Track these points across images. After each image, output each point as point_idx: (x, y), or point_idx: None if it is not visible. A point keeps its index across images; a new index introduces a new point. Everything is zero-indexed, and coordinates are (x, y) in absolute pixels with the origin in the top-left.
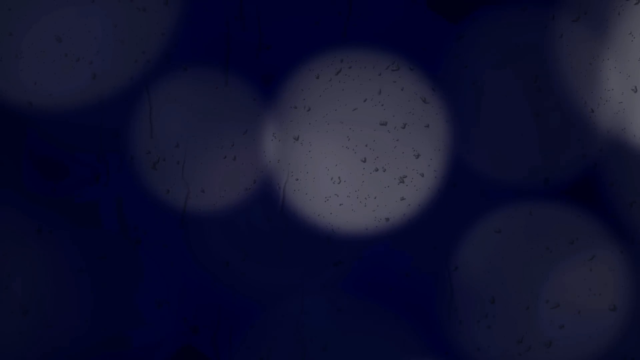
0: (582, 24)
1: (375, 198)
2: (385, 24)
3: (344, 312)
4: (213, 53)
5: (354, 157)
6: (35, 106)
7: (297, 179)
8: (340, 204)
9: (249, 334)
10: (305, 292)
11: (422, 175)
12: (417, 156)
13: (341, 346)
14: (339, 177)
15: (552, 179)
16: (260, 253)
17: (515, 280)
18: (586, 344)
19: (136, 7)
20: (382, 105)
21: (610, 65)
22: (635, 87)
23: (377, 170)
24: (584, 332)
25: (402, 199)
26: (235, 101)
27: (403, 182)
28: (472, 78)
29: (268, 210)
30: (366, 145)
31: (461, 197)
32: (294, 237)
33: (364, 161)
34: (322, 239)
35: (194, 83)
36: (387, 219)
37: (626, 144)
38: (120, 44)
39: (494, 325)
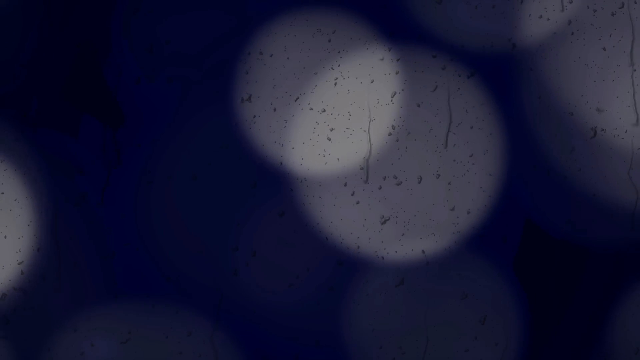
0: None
1: (379, 201)
2: None
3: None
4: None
5: (362, 162)
6: None
7: (307, 181)
8: (350, 209)
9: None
10: (307, 292)
11: (438, 176)
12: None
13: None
14: (348, 184)
15: None
16: (267, 253)
17: None
18: None
19: None
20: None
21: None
22: None
23: (385, 178)
24: None
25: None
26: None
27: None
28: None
29: (280, 207)
30: (377, 153)
31: (471, 201)
32: (300, 237)
33: (369, 166)
34: (322, 239)
35: None
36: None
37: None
38: None
39: None
